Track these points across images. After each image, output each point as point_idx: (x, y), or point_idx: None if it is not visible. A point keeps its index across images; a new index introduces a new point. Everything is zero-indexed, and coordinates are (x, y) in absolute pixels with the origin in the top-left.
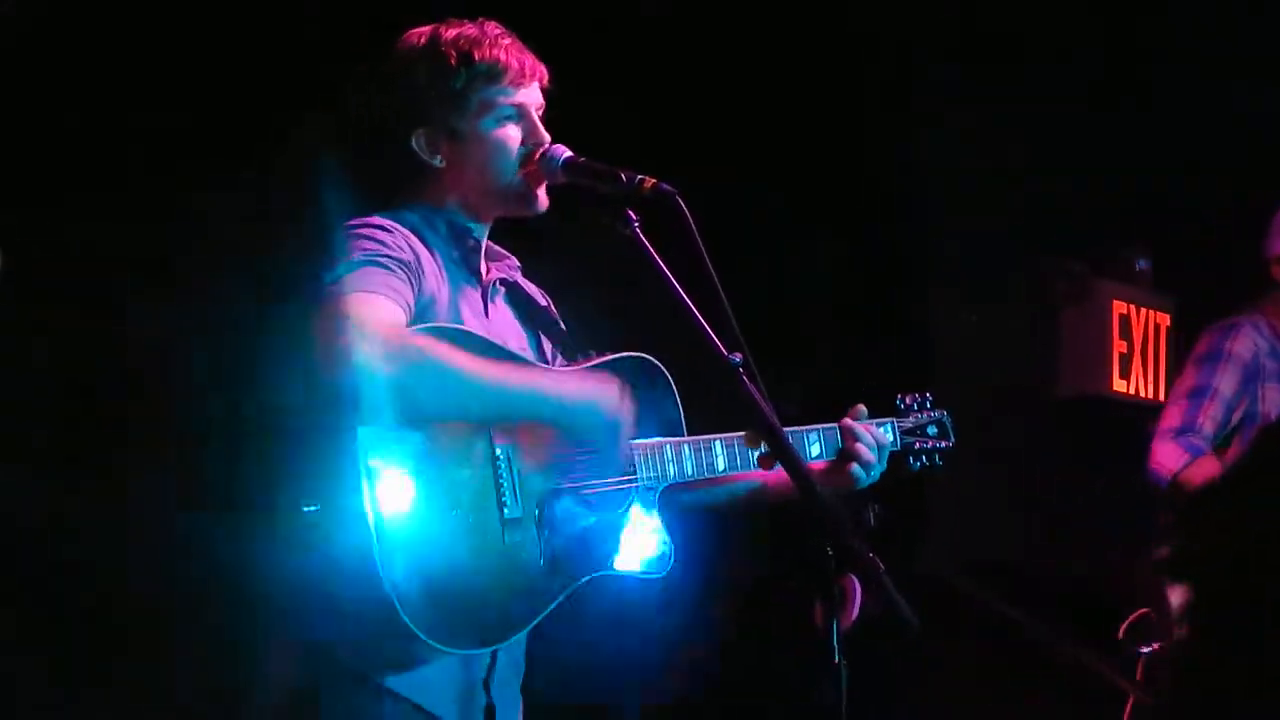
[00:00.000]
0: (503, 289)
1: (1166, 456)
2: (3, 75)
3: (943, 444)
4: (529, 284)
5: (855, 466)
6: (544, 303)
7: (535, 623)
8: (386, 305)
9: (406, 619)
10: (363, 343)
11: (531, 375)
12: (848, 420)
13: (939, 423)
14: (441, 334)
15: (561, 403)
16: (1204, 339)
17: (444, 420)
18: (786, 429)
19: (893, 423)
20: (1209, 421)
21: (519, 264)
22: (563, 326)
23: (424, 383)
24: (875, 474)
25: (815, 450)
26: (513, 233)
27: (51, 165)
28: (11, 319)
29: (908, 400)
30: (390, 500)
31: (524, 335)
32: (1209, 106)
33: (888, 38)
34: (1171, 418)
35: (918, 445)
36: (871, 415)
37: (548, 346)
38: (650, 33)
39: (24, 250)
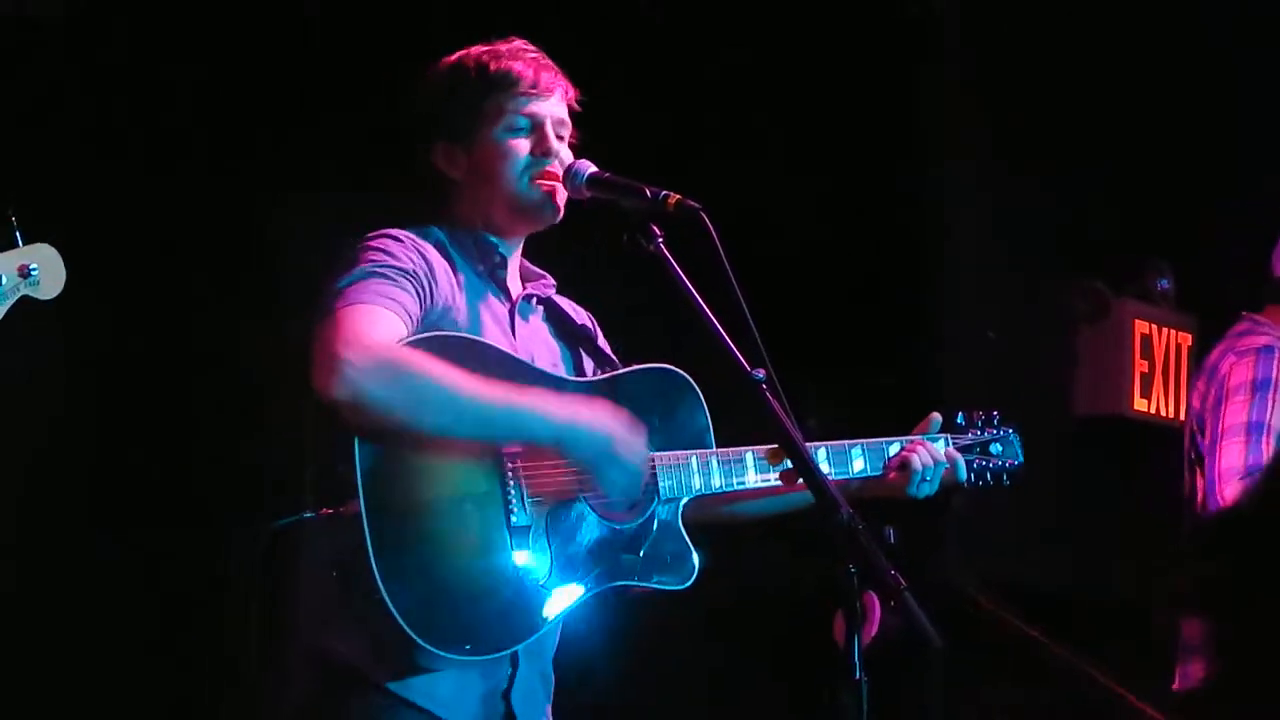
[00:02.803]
0: (540, 307)
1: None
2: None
3: (1009, 462)
4: (567, 302)
5: (907, 475)
6: (581, 321)
7: (541, 633)
8: (384, 317)
9: (403, 624)
10: (353, 357)
11: (525, 394)
12: (913, 447)
13: (1004, 440)
14: (443, 344)
15: (551, 424)
16: (1244, 364)
17: (430, 437)
18: (831, 443)
19: (947, 438)
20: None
21: (554, 283)
22: (601, 345)
23: (410, 399)
24: (931, 486)
25: (859, 465)
26: (544, 250)
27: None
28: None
29: (974, 416)
30: (389, 506)
31: (557, 350)
32: (1231, 125)
33: (910, 61)
34: (1232, 456)
35: (977, 463)
36: (903, 431)
37: (589, 365)
38: (659, 44)
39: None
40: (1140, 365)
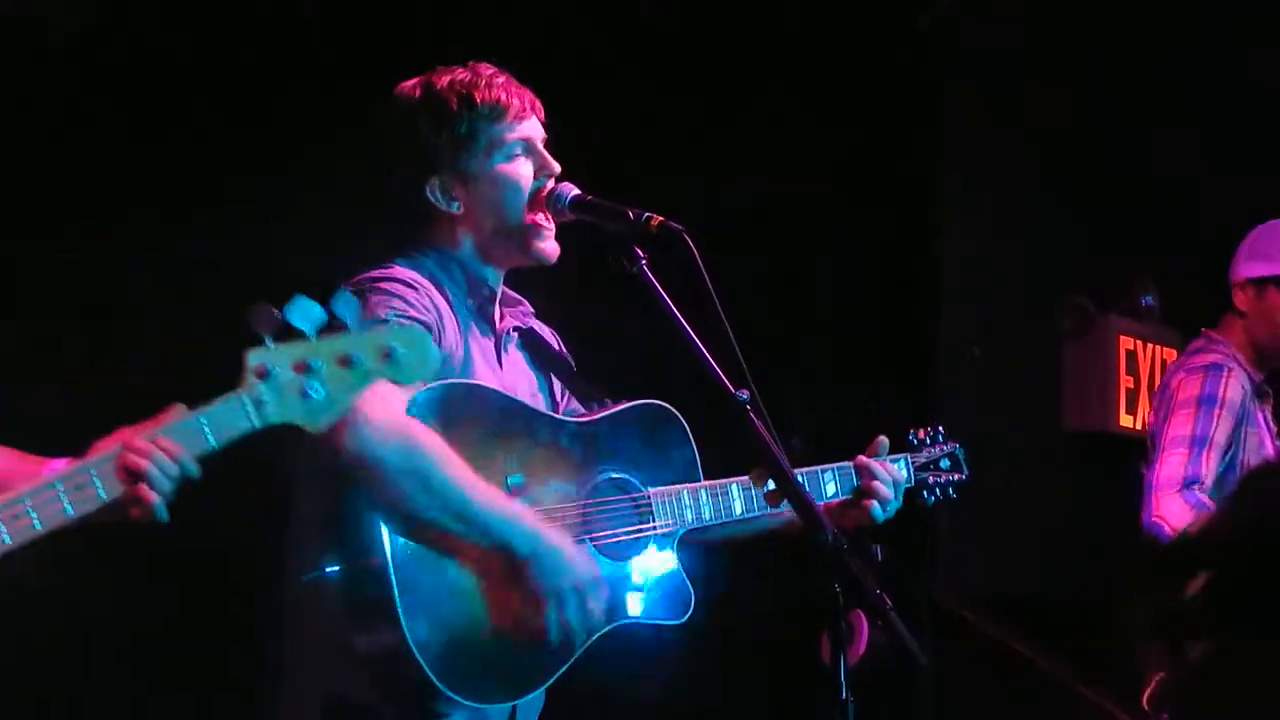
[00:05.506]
0: (516, 336)
1: (1172, 512)
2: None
3: (956, 476)
4: (542, 327)
5: (874, 505)
6: (555, 345)
7: (558, 675)
8: None
9: (430, 674)
10: (372, 414)
11: (510, 505)
12: (863, 458)
13: (951, 456)
14: (451, 397)
15: (530, 543)
16: (1192, 380)
17: (410, 520)
18: (804, 469)
19: (906, 459)
20: (1210, 474)
21: (531, 309)
22: (572, 365)
23: (413, 480)
24: (891, 509)
25: (831, 489)
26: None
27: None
28: None
29: (920, 434)
30: (411, 557)
31: (535, 381)
32: (1216, 141)
33: (912, 77)
34: (1172, 467)
35: (931, 480)
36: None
37: (558, 388)
38: (649, 50)
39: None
40: (1125, 381)
